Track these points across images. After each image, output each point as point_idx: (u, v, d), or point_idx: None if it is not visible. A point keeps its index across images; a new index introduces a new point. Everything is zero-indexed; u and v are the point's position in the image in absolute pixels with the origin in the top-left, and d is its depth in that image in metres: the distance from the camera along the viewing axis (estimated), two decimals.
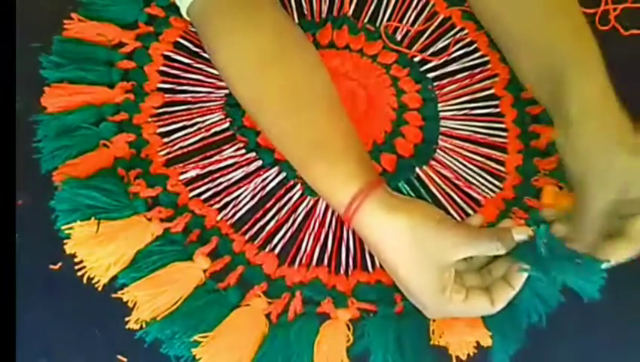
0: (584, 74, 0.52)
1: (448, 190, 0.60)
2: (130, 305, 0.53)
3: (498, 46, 0.63)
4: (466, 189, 0.61)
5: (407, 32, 0.67)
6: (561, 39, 0.55)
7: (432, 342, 0.53)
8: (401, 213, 0.49)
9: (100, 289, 0.53)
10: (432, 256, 0.48)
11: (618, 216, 0.50)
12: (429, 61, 0.66)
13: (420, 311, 0.52)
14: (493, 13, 0.61)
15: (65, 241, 0.53)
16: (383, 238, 0.49)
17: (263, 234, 0.57)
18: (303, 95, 0.54)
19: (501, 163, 0.62)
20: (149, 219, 0.56)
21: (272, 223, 0.58)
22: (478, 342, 0.53)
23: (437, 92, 0.65)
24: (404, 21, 0.67)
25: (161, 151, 0.59)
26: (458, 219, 0.59)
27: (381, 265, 0.56)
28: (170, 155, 0.59)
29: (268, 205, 0.58)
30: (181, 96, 0.62)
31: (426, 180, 0.61)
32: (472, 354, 0.53)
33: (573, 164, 0.51)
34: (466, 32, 0.67)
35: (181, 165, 0.59)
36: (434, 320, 0.54)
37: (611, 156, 0.49)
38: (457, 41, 0.67)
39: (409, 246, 0.48)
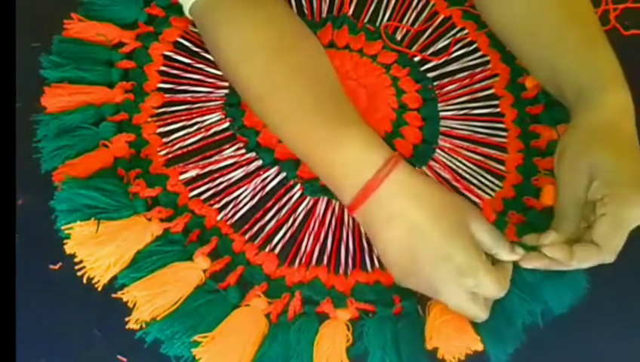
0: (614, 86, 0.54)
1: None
2: (130, 305, 0.53)
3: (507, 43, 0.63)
4: (464, 192, 0.61)
5: (407, 32, 0.67)
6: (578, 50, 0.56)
7: (425, 346, 0.53)
8: (433, 180, 0.54)
9: (99, 289, 0.53)
10: (463, 219, 0.50)
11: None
12: (429, 61, 0.66)
13: (419, 312, 0.53)
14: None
15: (65, 241, 0.53)
16: (420, 193, 0.50)
17: (263, 234, 0.57)
18: (312, 77, 0.55)
19: (501, 162, 0.62)
20: (149, 219, 0.56)
21: (271, 223, 0.58)
22: None
23: (437, 92, 0.65)
24: (404, 21, 0.67)
25: (160, 151, 0.59)
26: None
27: (381, 264, 0.56)
28: (170, 155, 0.59)
29: (268, 205, 0.58)
30: (181, 96, 0.62)
31: None
32: (463, 358, 0.53)
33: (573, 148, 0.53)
34: (466, 32, 0.67)
35: (181, 165, 0.59)
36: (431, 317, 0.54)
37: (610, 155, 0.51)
38: (457, 41, 0.67)
39: (447, 204, 0.50)
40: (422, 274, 0.50)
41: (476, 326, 0.53)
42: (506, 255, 0.52)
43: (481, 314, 0.52)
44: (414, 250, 0.50)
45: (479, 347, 0.53)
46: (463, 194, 0.60)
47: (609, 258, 0.50)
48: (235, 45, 0.55)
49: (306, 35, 0.57)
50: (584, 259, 0.50)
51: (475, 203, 0.60)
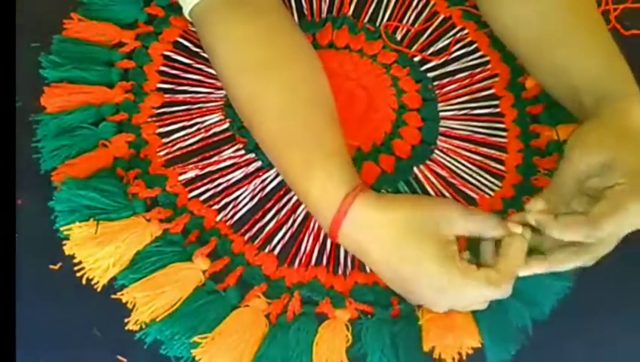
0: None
1: (444, 191, 0.60)
2: (129, 306, 0.53)
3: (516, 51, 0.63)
4: (461, 188, 0.61)
5: (407, 31, 0.67)
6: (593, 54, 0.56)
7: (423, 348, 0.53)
8: (393, 201, 0.51)
9: (99, 290, 0.53)
10: (430, 230, 0.49)
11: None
12: (429, 61, 0.66)
13: (417, 314, 0.53)
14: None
15: (64, 242, 0.54)
16: (379, 226, 0.50)
17: (263, 234, 0.57)
18: (301, 96, 0.54)
19: (501, 162, 0.62)
20: (148, 220, 0.56)
21: (271, 224, 0.58)
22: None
23: (437, 92, 0.64)
24: (404, 21, 0.67)
25: (160, 151, 0.59)
26: None
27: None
28: (170, 156, 0.59)
29: (267, 206, 0.58)
30: (181, 97, 0.62)
31: (424, 181, 0.61)
32: (464, 358, 0.53)
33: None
34: (466, 31, 0.67)
35: (180, 166, 0.59)
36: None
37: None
38: (457, 41, 0.67)
39: (407, 225, 0.49)
40: (411, 295, 0.52)
41: (477, 326, 0.54)
42: (498, 232, 0.51)
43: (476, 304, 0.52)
44: (392, 278, 0.51)
45: (476, 344, 0.53)
46: (460, 191, 0.60)
47: (593, 235, 0.48)
48: (230, 57, 0.55)
49: (303, 50, 0.57)
50: (568, 227, 0.49)
51: (472, 199, 0.60)
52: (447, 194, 0.60)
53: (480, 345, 0.53)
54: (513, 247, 0.50)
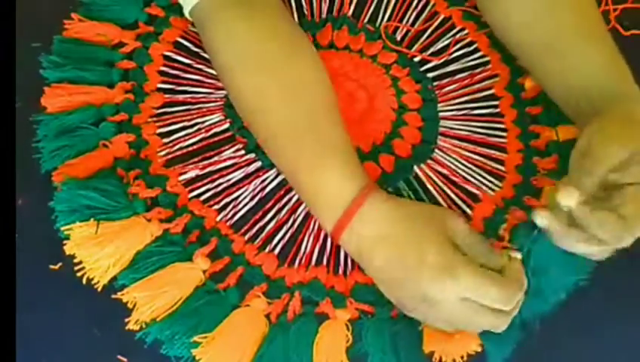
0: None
1: (446, 188, 0.60)
2: (130, 306, 0.53)
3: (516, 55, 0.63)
4: (463, 185, 0.61)
5: (407, 32, 0.67)
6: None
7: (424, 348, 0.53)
8: (402, 201, 0.54)
9: (99, 289, 0.53)
10: (437, 222, 0.50)
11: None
12: (429, 61, 0.66)
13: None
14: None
15: (64, 241, 0.53)
16: (387, 226, 0.50)
17: (263, 234, 0.57)
18: (306, 93, 0.55)
19: (500, 162, 0.62)
20: (149, 220, 0.56)
21: (271, 224, 0.58)
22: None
23: (437, 92, 0.65)
24: (404, 21, 0.67)
25: (160, 151, 0.59)
26: None
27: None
28: (170, 156, 0.59)
29: (267, 206, 0.58)
30: (181, 97, 0.62)
31: (424, 179, 0.61)
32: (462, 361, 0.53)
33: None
34: (466, 32, 0.67)
35: (181, 166, 0.59)
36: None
37: None
38: (457, 41, 0.67)
39: (414, 217, 0.51)
40: (409, 298, 0.50)
41: None
42: (488, 259, 0.50)
43: (482, 321, 0.49)
44: (392, 281, 0.51)
45: (477, 348, 0.53)
46: (461, 188, 0.61)
47: (630, 235, 0.47)
48: (232, 55, 0.55)
49: (304, 49, 0.57)
50: (604, 225, 0.46)
51: (474, 195, 0.60)
52: (448, 191, 0.60)
53: (480, 349, 0.53)
54: (514, 270, 0.50)
